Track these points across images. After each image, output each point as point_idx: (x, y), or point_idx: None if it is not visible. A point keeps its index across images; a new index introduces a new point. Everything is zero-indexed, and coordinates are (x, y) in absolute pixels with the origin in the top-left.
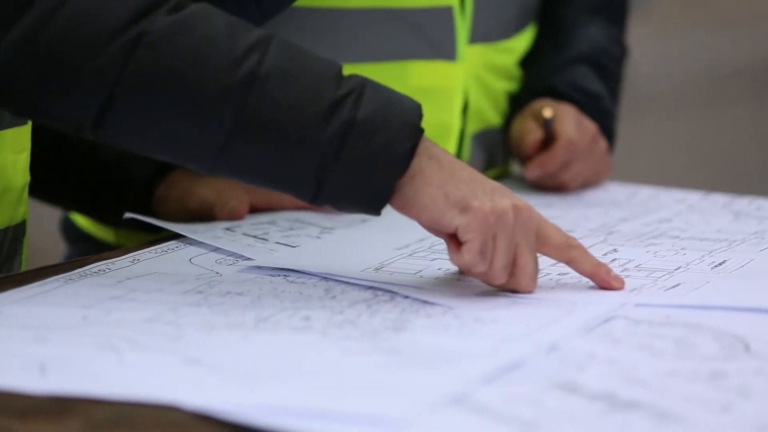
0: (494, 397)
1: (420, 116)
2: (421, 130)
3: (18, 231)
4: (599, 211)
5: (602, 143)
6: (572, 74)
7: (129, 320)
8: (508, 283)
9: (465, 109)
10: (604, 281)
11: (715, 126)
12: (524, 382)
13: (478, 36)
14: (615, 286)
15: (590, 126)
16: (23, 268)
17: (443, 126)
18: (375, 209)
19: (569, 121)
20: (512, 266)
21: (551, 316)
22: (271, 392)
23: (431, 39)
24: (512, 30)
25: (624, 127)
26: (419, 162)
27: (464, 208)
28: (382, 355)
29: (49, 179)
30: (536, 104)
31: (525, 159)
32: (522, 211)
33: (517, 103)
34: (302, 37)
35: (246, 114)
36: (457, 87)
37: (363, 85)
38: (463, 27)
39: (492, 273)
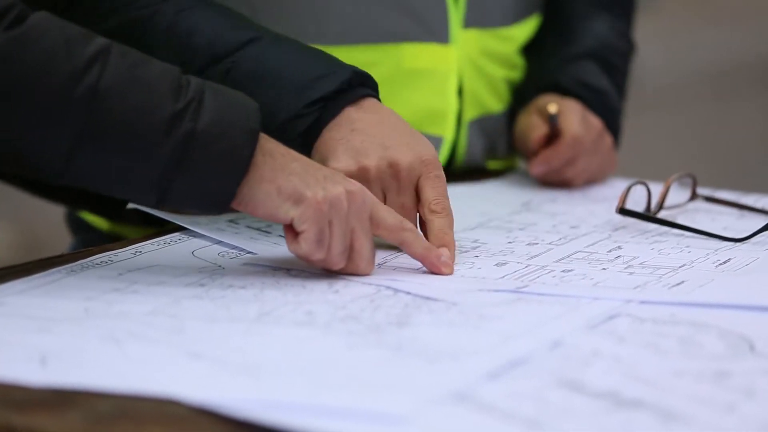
0: (497, 393)
1: (259, 119)
2: (259, 133)
3: None
4: (604, 208)
5: (607, 139)
6: (578, 70)
7: (131, 313)
8: (347, 268)
9: (460, 93)
10: (433, 266)
11: (721, 122)
12: (528, 378)
13: (473, 21)
14: (444, 272)
15: (595, 122)
16: None
17: (438, 110)
18: (217, 211)
19: (574, 117)
20: (349, 251)
21: (555, 313)
22: (272, 387)
23: (424, 21)
24: (512, 18)
25: (630, 122)
26: (254, 159)
27: (297, 200)
28: (385, 351)
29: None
30: (541, 100)
31: (530, 155)
32: (355, 196)
33: (521, 97)
34: (296, 20)
35: (87, 128)
36: (451, 70)
37: (202, 92)
38: (456, 11)
39: (330, 259)
